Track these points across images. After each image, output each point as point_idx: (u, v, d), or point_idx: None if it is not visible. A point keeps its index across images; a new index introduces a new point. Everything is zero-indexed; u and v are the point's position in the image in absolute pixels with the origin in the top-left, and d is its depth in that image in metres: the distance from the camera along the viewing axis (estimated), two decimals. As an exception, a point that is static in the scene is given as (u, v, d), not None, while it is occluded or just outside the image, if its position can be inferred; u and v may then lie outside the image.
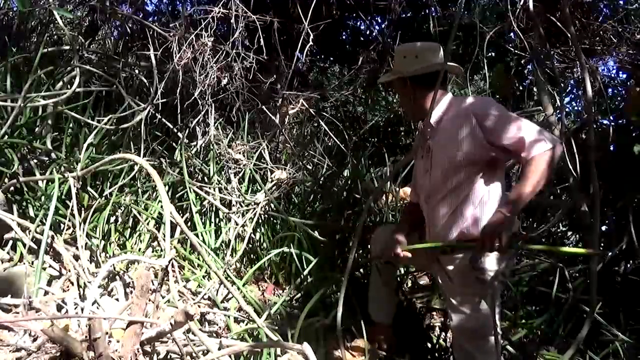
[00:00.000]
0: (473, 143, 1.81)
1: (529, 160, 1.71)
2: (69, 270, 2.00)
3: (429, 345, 2.47)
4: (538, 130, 1.75)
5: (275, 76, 3.95)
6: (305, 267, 2.47)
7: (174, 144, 3.16)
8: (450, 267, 1.88)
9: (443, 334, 2.51)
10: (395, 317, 2.29)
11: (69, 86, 2.79)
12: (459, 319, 1.87)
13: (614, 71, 4.08)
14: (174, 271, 2.22)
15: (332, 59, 5.28)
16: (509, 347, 2.37)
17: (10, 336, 1.64)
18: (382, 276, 2.20)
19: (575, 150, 2.34)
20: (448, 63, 1.94)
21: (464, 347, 1.88)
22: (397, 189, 3.40)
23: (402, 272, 2.86)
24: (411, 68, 1.92)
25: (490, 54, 3.77)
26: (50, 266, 2.06)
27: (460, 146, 1.83)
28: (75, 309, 1.82)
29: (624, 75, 3.81)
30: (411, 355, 2.33)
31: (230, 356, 1.63)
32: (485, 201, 1.84)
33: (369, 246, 2.39)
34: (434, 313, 2.73)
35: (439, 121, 1.93)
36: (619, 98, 3.81)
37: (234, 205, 2.87)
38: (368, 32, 5.23)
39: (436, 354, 2.44)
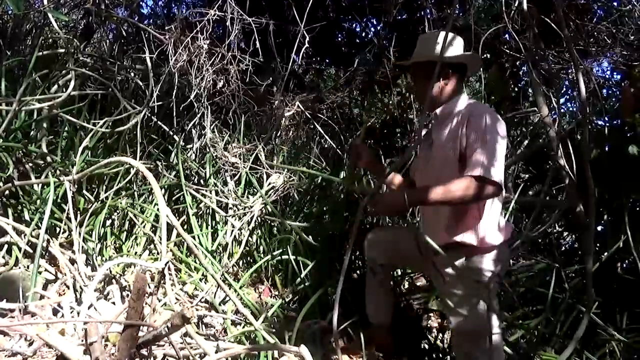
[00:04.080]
0: (461, 146, 1.81)
1: (463, 176, 1.71)
2: (65, 274, 2.00)
3: (427, 346, 2.48)
4: (496, 161, 1.72)
5: (271, 78, 3.95)
6: (303, 269, 2.47)
7: (170, 147, 3.16)
8: (445, 269, 1.88)
9: (440, 335, 2.51)
10: (393, 319, 2.29)
11: (64, 89, 2.78)
12: (456, 320, 1.87)
13: (609, 72, 4.11)
14: (170, 274, 2.21)
15: (327, 60, 5.28)
16: (506, 348, 2.37)
17: (6, 341, 1.64)
18: (377, 276, 2.20)
19: (571, 151, 2.35)
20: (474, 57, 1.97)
21: (463, 347, 1.89)
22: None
23: (399, 273, 2.86)
24: (451, 54, 1.91)
25: (485, 56, 3.78)
26: (46, 270, 2.05)
27: (454, 145, 1.82)
28: (71, 313, 1.81)
29: (618, 76, 3.83)
30: (409, 357, 2.34)
31: (227, 359, 1.62)
32: (479, 207, 1.82)
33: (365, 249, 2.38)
34: (432, 314, 2.73)
35: (447, 117, 1.91)
36: (613, 99, 3.83)
37: (230, 208, 2.87)
38: (363, 34, 5.25)
39: (434, 355, 2.44)
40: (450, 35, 1.97)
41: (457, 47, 1.96)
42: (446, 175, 1.82)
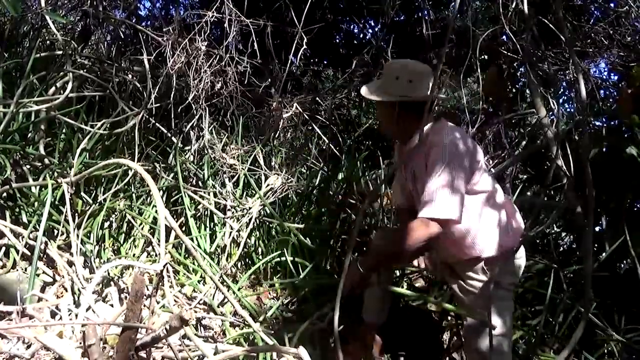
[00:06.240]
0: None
1: (417, 218, 1.70)
2: (63, 277, 1.99)
3: (425, 346, 2.47)
4: (448, 193, 1.67)
5: (269, 80, 3.95)
6: (301, 271, 2.47)
7: (168, 149, 3.15)
8: (464, 278, 1.93)
9: (439, 335, 2.51)
10: (391, 319, 2.29)
11: (62, 91, 2.77)
12: (474, 336, 1.89)
13: (606, 73, 4.12)
14: (168, 276, 2.21)
15: (325, 62, 5.29)
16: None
17: (4, 343, 1.63)
18: (379, 277, 2.20)
19: (569, 152, 2.35)
20: (439, 95, 1.91)
21: (472, 344, 1.91)
22: (392, 191, 3.41)
23: (398, 274, 2.86)
24: (402, 93, 1.80)
25: (483, 57, 3.79)
26: (43, 272, 2.05)
27: (426, 175, 1.79)
28: (69, 315, 1.81)
29: (616, 77, 3.84)
30: (407, 357, 2.34)
31: (226, 361, 1.62)
32: (472, 222, 1.82)
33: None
34: (430, 315, 2.73)
35: (416, 148, 1.86)
36: (610, 99, 3.84)
37: (229, 209, 2.86)
38: (361, 36, 5.26)
39: (432, 356, 2.44)
40: (408, 69, 1.81)
41: (415, 86, 1.80)
42: None
